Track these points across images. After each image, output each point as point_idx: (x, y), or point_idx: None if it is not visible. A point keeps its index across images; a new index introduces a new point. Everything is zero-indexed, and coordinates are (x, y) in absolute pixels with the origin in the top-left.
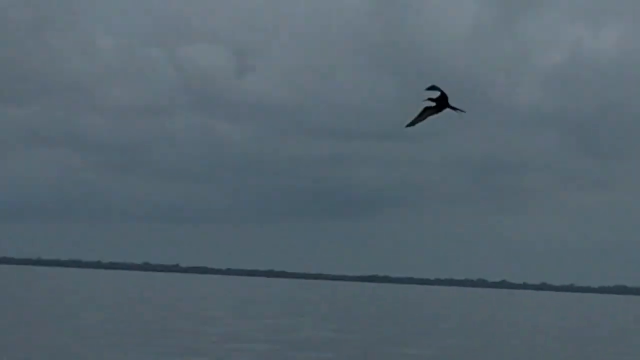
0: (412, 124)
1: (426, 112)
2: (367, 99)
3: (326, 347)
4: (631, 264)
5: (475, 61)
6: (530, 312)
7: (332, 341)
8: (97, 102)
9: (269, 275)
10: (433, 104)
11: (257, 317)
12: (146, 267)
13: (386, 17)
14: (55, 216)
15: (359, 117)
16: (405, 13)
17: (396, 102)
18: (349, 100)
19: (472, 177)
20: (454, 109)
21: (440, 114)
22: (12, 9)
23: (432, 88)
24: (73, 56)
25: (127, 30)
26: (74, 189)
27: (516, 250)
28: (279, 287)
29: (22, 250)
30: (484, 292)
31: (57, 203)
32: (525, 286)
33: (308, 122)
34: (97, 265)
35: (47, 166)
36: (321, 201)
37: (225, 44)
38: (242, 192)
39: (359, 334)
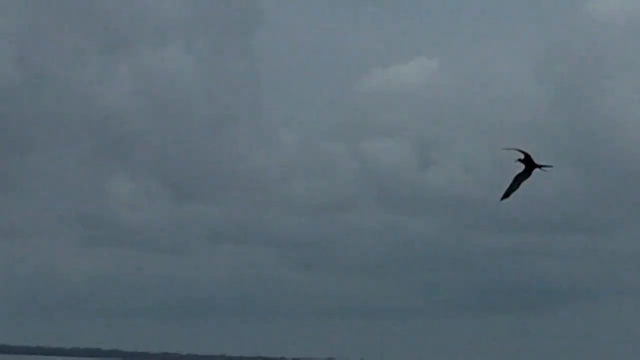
0: (507, 195)
1: (518, 179)
2: (550, 190)
3: None
4: None
5: None
6: None
7: None
8: (280, 198)
9: None
10: (522, 165)
11: None
12: None
13: (568, 107)
14: (238, 312)
15: (542, 209)
16: (587, 103)
17: (580, 194)
18: (531, 192)
19: None
20: (540, 167)
21: (531, 177)
22: (195, 105)
23: (519, 156)
24: (256, 152)
25: (309, 125)
26: (257, 284)
27: None
28: None
29: (207, 346)
30: None
31: (240, 299)
32: None
33: (491, 215)
34: None
35: (229, 262)
36: (504, 294)
37: (408, 138)
38: (426, 286)
39: None
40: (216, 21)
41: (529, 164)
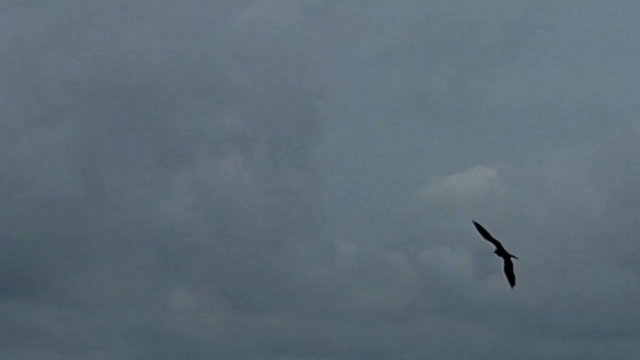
0: (512, 285)
1: (508, 271)
2: (608, 296)
3: None
4: None
5: None
6: None
7: None
8: (339, 309)
9: None
10: (501, 258)
11: None
12: None
13: (627, 211)
14: None
15: (603, 316)
16: None
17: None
18: (591, 299)
19: None
20: (510, 256)
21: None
22: (253, 217)
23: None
24: (315, 263)
25: (368, 235)
26: None
27: None
28: None
29: None
30: None
31: None
32: None
33: (551, 323)
34: None
35: None
36: None
37: (465, 247)
38: None
39: None
40: (274, 132)
41: (502, 253)
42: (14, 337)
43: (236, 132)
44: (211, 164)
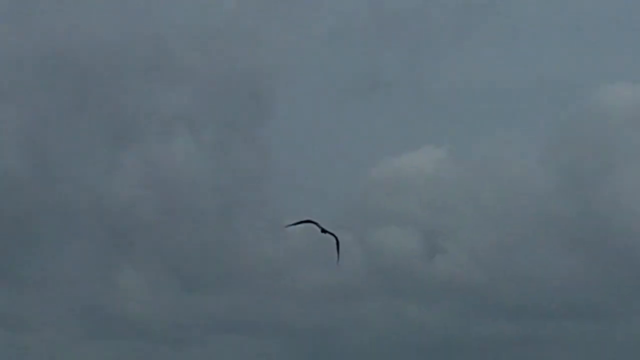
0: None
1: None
2: (556, 276)
3: None
4: None
5: None
6: None
7: None
8: (286, 288)
9: None
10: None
11: None
12: None
13: (575, 192)
14: None
15: (550, 297)
16: (593, 190)
17: (588, 280)
18: (538, 279)
19: None
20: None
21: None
22: (202, 196)
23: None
24: (262, 241)
25: (316, 214)
26: None
27: None
28: None
29: None
30: None
31: None
32: None
33: (498, 303)
34: None
35: (236, 352)
36: None
37: (415, 227)
38: None
39: None
40: (223, 111)
41: (326, 232)
42: None
43: (185, 111)
44: (160, 143)
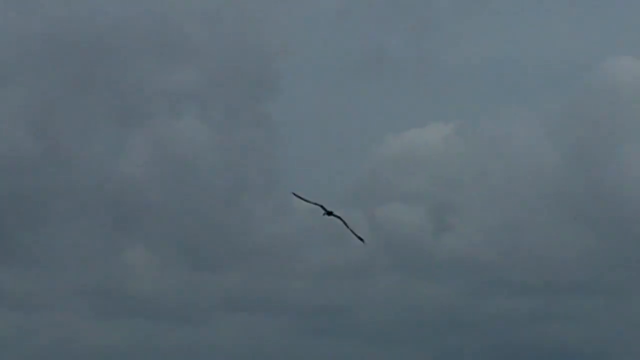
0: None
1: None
2: (565, 252)
3: None
4: None
5: None
6: None
7: None
8: (295, 265)
9: None
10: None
11: None
12: None
13: (583, 167)
14: None
15: (558, 272)
16: (603, 165)
17: (596, 256)
18: (546, 255)
19: None
20: (331, 214)
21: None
22: (209, 174)
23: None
24: (270, 220)
25: (324, 192)
26: (274, 353)
27: None
28: None
29: None
30: None
31: None
32: None
33: (508, 279)
34: None
35: (245, 330)
36: (520, 358)
37: (423, 203)
38: (442, 351)
39: None
40: (230, 90)
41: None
42: None
43: (192, 90)
44: (167, 122)
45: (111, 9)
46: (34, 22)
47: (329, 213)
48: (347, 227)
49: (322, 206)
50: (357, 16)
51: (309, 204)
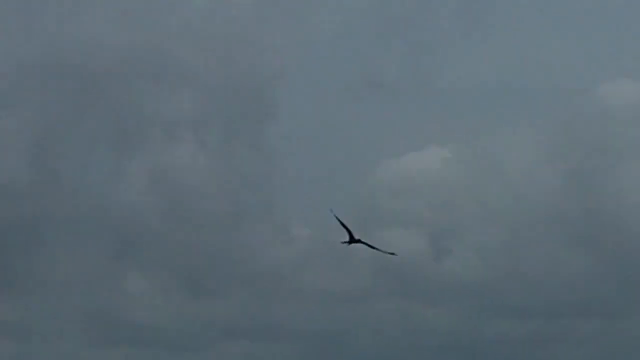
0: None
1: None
2: (563, 275)
3: None
4: None
5: None
6: None
7: None
8: (295, 292)
9: None
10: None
11: None
12: None
13: (581, 190)
14: None
15: (556, 295)
16: (599, 190)
17: (594, 278)
18: (545, 278)
19: None
20: (359, 241)
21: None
22: (207, 201)
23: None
24: (270, 246)
25: (322, 217)
26: None
27: None
28: None
29: None
30: None
31: None
32: None
33: (506, 302)
34: None
35: (246, 358)
36: None
37: (420, 227)
38: None
39: None
40: (227, 115)
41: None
42: None
43: (190, 116)
44: (165, 148)
45: (108, 36)
46: (31, 48)
47: (356, 241)
48: (375, 248)
49: (349, 231)
50: (355, 40)
51: (340, 225)
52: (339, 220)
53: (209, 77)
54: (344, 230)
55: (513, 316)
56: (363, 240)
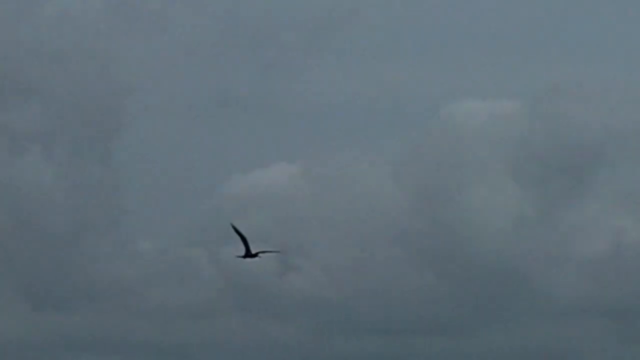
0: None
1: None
2: (408, 293)
3: None
4: None
5: (516, 252)
6: None
7: None
8: (138, 307)
9: None
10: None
11: None
12: None
13: (428, 209)
14: None
15: (402, 313)
16: (446, 209)
17: (441, 296)
18: (391, 296)
19: None
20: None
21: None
22: (53, 214)
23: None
24: (114, 259)
25: (167, 232)
26: None
27: None
28: None
29: None
30: None
31: None
32: None
33: (352, 319)
34: None
35: None
36: None
37: (267, 244)
38: None
39: None
40: (75, 129)
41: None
42: None
43: (36, 129)
44: (10, 161)
45: None
46: None
47: (253, 255)
48: (276, 252)
49: (247, 245)
50: (203, 55)
51: (239, 237)
52: (239, 234)
53: (56, 90)
54: (241, 243)
55: (360, 334)
56: (262, 251)
